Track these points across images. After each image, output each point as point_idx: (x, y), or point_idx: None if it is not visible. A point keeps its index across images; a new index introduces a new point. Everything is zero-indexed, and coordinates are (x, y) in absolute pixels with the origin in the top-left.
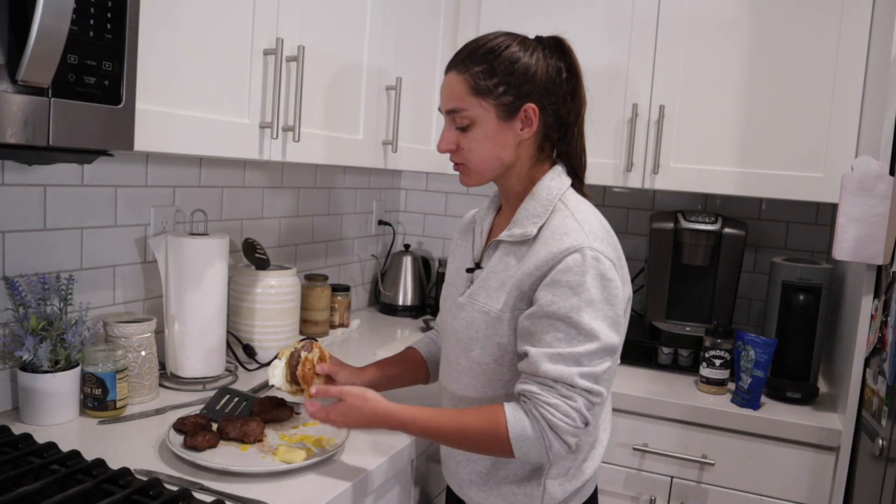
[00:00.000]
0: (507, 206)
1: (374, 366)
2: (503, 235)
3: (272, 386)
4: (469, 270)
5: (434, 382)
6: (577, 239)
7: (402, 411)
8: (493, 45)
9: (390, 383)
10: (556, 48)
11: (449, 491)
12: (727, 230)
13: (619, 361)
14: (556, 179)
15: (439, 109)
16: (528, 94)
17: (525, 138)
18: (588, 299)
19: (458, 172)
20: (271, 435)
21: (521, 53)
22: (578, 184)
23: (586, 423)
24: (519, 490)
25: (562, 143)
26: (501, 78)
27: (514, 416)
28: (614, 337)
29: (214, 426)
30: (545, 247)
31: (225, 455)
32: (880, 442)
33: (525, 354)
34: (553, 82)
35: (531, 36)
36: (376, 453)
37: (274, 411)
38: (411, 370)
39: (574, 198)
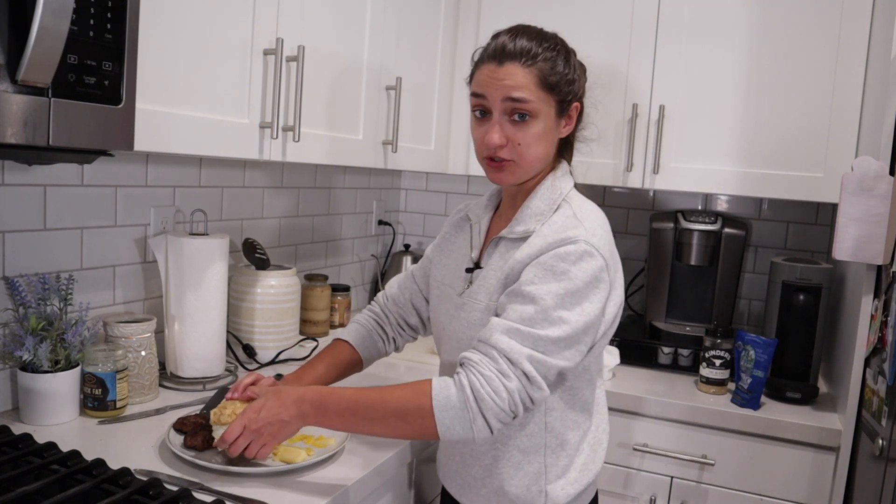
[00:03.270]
0: (510, 205)
1: (304, 373)
2: (504, 232)
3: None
4: (469, 270)
5: (367, 368)
6: (574, 232)
7: (320, 387)
8: (552, 41)
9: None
10: (572, 51)
11: (444, 494)
12: (727, 230)
13: (615, 367)
14: (562, 178)
15: (476, 94)
16: (577, 91)
17: (563, 136)
18: (568, 289)
19: (495, 169)
20: None
21: (567, 53)
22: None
23: (514, 415)
24: (519, 494)
25: (573, 141)
26: (562, 76)
27: (439, 384)
28: (581, 332)
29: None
30: (543, 240)
31: (225, 455)
32: (880, 442)
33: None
34: (584, 83)
35: None
36: (376, 453)
37: None
38: (343, 366)
39: (578, 198)
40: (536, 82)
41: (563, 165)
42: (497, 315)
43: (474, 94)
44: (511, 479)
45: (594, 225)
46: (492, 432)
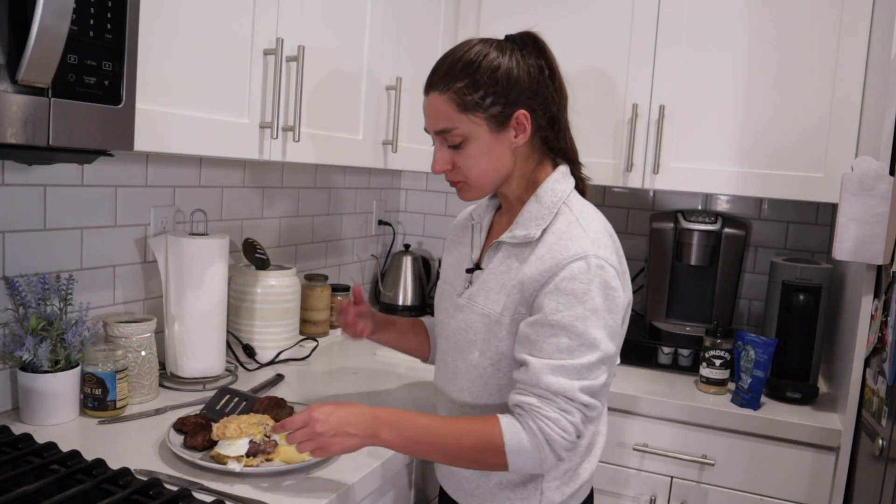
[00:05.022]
0: (506, 206)
1: (388, 319)
2: (505, 237)
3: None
4: (469, 271)
5: (432, 363)
6: (582, 246)
7: (401, 410)
8: (471, 57)
9: (395, 340)
10: (532, 46)
11: (442, 494)
12: (727, 230)
13: (616, 366)
14: (561, 181)
15: (426, 130)
16: (515, 100)
17: (520, 145)
18: (592, 308)
19: (455, 189)
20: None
21: (500, 59)
22: (576, 171)
23: (579, 436)
24: (515, 495)
25: (556, 140)
26: (487, 89)
27: (510, 430)
28: (611, 347)
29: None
30: (549, 252)
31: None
32: (880, 442)
33: (523, 364)
34: (537, 82)
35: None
36: (375, 455)
37: (274, 411)
38: (419, 340)
39: (578, 202)
40: (455, 108)
41: (561, 168)
42: (520, 342)
43: (424, 128)
44: (506, 479)
45: (598, 233)
46: (561, 461)
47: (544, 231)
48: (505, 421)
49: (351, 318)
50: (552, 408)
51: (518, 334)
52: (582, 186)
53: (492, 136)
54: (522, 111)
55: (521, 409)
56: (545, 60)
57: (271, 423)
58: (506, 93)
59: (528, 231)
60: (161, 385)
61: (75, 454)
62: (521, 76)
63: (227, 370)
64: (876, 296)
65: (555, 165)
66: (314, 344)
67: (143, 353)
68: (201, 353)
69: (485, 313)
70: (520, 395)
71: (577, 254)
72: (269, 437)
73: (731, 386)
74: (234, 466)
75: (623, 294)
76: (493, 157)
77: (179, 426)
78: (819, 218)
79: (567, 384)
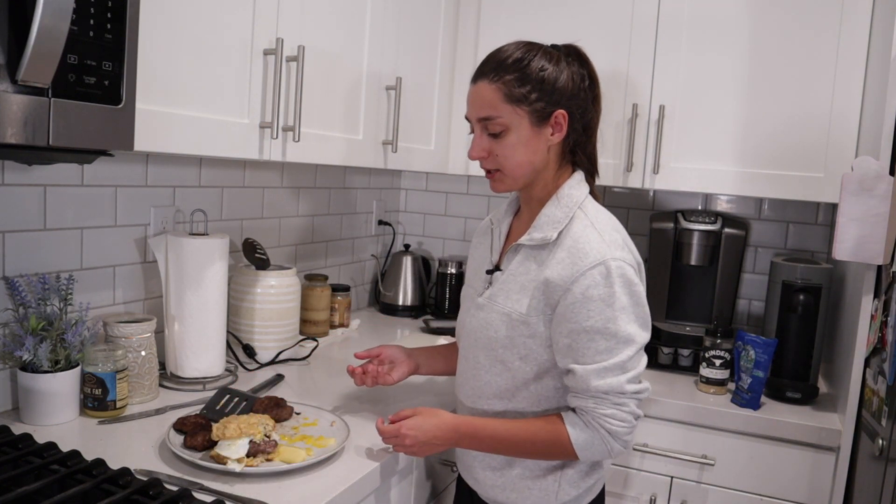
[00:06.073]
0: (527, 210)
1: (422, 354)
2: (523, 239)
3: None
4: (489, 272)
5: None
6: (599, 252)
7: (475, 419)
8: (521, 55)
9: (446, 366)
10: (575, 56)
11: (459, 485)
12: (727, 230)
13: None
14: (577, 187)
15: (466, 118)
16: (557, 101)
17: (555, 143)
18: (620, 307)
19: (489, 179)
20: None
21: (547, 62)
22: (591, 182)
23: (637, 418)
24: (534, 485)
25: (585, 146)
26: (534, 85)
27: (574, 430)
28: (645, 335)
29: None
30: (569, 257)
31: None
32: (880, 442)
33: (570, 371)
34: (578, 88)
35: (546, 43)
36: (376, 454)
37: (274, 411)
38: (450, 369)
39: (592, 206)
40: (502, 98)
41: (578, 174)
42: (562, 353)
43: (466, 116)
44: (528, 470)
45: (613, 236)
46: (628, 445)
47: (560, 234)
48: (569, 421)
49: (381, 371)
50: (606, 405)
51: (557, 346)
52: (593, 195)
53: (531, 130)
54: (562, 111)
55: (581, 412)
56: (587, 70)
57: (271, 423)
58: (550, 92)
59: (546, 234)
60: (161, 385)
61: (75, 454)
62: (566, 80)
63: (227, 370)
64: (876, 296)
65: (573, 172)
66: (314, 344)
67: (143, 353)
68: (201, 353)
69: (505, 312)
70: (577, 400)
71: (596, 260)
72: (269, 437)
73: (731, 386)
74: (234, 466)
75: (643, 287)
76: (530, 150)
77: (179, 426)
78: (819, 218)
79: (614, 381)
